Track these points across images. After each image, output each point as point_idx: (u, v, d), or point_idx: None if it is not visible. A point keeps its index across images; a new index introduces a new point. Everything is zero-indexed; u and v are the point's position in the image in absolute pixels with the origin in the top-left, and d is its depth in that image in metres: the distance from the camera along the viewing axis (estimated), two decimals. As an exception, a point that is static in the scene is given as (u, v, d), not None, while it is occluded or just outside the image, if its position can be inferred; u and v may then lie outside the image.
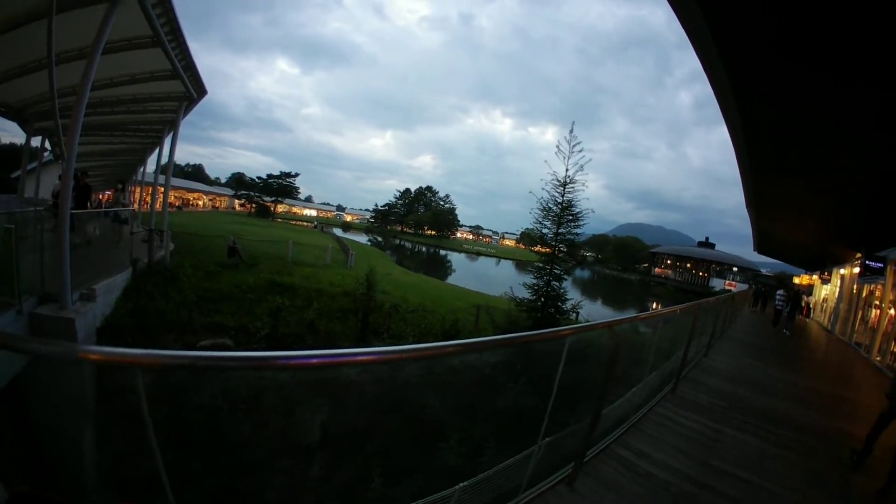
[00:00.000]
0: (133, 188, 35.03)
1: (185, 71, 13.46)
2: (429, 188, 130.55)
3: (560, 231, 16.86)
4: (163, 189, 19.63)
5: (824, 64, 5.36)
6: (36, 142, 19.08)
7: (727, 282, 70.80)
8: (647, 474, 4.15)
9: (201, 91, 15.73)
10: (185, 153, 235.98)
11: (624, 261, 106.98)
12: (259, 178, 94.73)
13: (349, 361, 1.93)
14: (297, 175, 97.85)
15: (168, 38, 11.11)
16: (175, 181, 61.11)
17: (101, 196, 16.93)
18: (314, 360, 1.67)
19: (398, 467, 8.01)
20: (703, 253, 79.18)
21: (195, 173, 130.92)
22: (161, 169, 21.37)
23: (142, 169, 29.07)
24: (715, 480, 4.28)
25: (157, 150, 21.89)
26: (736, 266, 76.05)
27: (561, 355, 3.48)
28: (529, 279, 17.46)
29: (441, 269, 63.08)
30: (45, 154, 20.84)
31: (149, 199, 24.89)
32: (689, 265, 78.00)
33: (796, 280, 41.66)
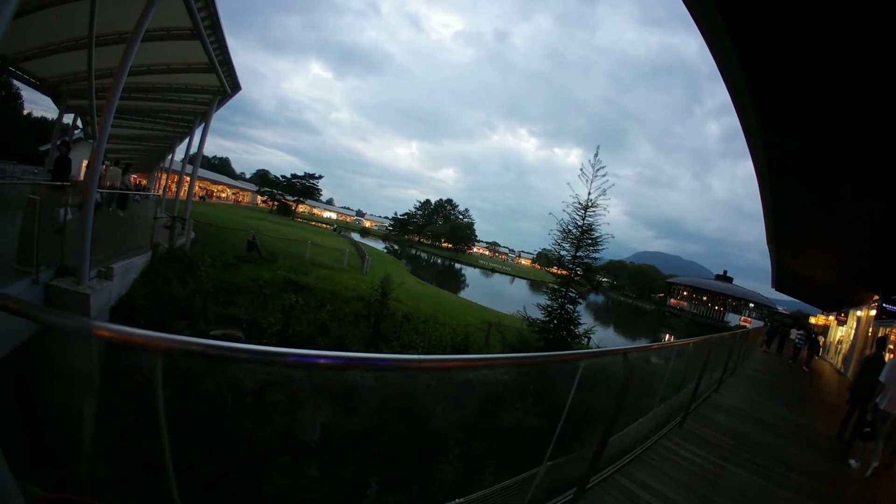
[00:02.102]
0: (159, 174, 35.68)
1: (222, 66, 13.68)
2: (449, 201, 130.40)
3: (578, 254, 16.70)
4: (189, 178, 19.90)
5: (850, 99, 5.30)
6: (68, 119, 19.49)
7: (743, 318, 69.64)
8: (649, 507, 4.05)
9: (235, 87, 15.99)
10: (214, 146, 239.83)
11: (640, 289, 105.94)
12: (283, 176, 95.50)
13: (359, 365, 1.93)
14: (320, 177, 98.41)
15: (207, 32, 11.32)
16: (201, 172, 61.77)
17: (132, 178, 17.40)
18: (322, 361, 1.65)
19: (396, 475, 7.93)
20: (721, 287, 77.94)
21: (222, 166, 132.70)
22: (189, 159, 21.70)
23: (170, 157, 29.54)
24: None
25: (186, 140, 22.23)
26: (753, 302, 74.76)
27: (574, 378, 3.44)
28: (543, 300, 17.25)
29: (455, 282, 62.83)
30: (76, 132, 21.29)
31: (174, 186, 25.30)
32: (705, 298, 76.87)
33: (812, 320, 41.05)
